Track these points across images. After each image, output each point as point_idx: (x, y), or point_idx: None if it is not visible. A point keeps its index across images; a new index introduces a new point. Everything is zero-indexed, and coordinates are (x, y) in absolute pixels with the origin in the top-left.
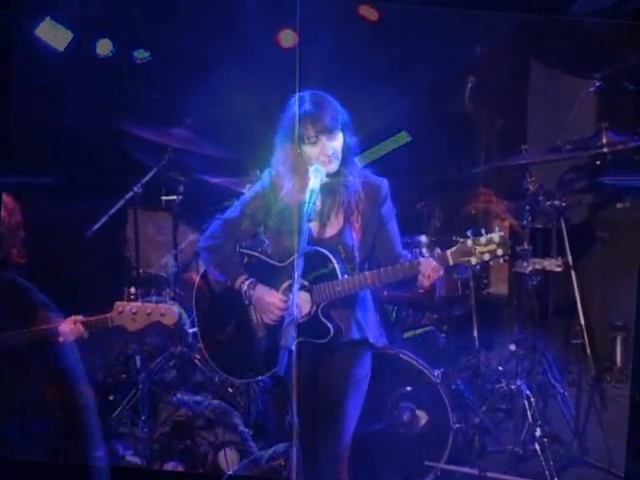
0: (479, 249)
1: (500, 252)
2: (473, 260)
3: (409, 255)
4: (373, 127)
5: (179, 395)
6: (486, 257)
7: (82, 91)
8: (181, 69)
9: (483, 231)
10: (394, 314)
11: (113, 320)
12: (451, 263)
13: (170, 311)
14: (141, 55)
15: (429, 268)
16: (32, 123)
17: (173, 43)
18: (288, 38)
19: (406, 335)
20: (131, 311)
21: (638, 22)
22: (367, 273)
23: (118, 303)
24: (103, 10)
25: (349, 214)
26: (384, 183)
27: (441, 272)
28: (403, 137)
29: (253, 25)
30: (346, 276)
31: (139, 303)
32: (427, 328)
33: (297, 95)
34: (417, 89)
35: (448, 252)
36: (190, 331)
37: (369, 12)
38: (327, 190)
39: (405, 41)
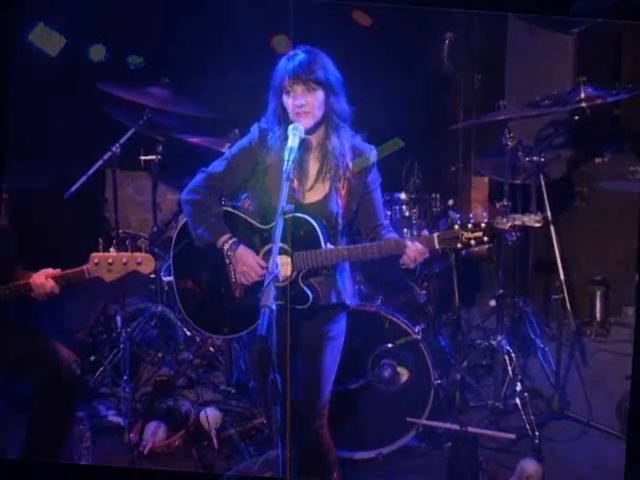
0: (466, 235)
1: (486, 239)
2: (459, 245)
3: (390, 226)
4: (367, 129)
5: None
6: (472, 243)
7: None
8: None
9: (471, 216)
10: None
11: (90, 272)
12: (437, 247)
13: (147, 259)
14: (135, 61)
15: (415, 250)
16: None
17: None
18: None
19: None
20: (107, 262)
21: (637, 22)
22: (351, 247)
23: (94, 254)
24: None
25: (335, 180)
26: (372, 151)
27: (427, 254)
28: (397, 143)
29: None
30: (329, 245)
31: (114, 253)
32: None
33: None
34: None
35: (435, 235)
36: (165, 280)
37: (362, 17)
38: (313, 155)
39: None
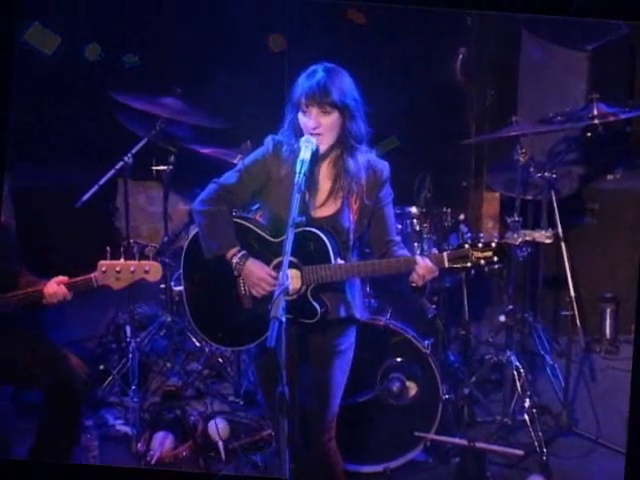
0: (476, 254)
1: (496, 259)
2: (469, 264)
3: (401, 242)
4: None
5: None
6: (482, 263)
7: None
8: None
9: (482, 235)
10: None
11: (97, 280)
12: (447, 266)
13: (154, 267)
14: (130, 60)
15: (425, 268)
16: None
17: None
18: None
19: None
20: (115, 269)
21: (637, 21)
22: (361, 263)
23: (101, 262)
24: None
25: (348, 196)
26: (386, 167)
27: (436, 273)
28: (393, 141)
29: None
30: (339, 260)
31: (122, 261)
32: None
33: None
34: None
35: (445, 254)
36: (176, 289)
37: (357, 15)
38: (326, 172)
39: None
